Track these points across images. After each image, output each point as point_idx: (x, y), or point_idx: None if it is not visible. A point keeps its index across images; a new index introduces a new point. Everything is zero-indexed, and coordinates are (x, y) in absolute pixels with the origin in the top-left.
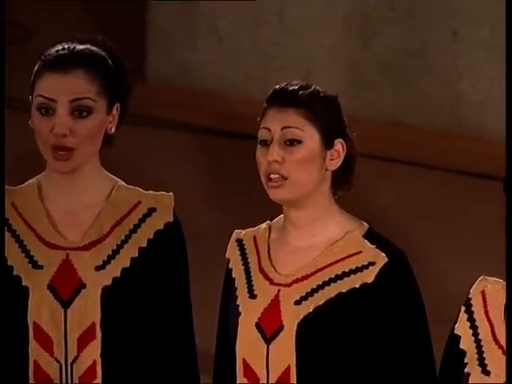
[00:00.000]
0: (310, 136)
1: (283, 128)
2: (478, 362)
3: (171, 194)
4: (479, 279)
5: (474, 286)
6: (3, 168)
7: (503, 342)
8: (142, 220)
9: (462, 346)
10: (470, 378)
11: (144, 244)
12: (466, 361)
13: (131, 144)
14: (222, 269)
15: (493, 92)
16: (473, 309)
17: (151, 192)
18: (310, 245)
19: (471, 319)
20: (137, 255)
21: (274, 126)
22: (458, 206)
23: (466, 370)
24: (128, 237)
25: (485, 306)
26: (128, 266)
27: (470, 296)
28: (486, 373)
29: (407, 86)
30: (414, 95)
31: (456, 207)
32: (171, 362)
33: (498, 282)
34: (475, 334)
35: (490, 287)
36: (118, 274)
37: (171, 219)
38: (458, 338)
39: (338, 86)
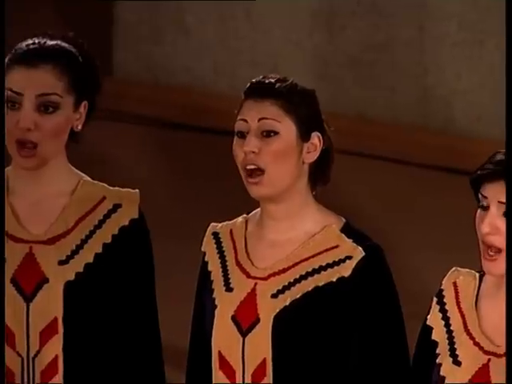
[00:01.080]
0: (287, 128)
1: (260, 119)
2: (449, 353)
3: (137, 190)
4: (451, 271)
5: (446, 277)
6: (3, 168)
7: (475, 332)
8: (107, 216)
9: (433, 337)
10: (442, 368)
11: (108, 240)
12: (437, 351)
13: (98, 139)
14: (192, 264)
15: (459, 86)
16: (445, 300)
17: (116, 188)
18: (288, 238)
19: (443, 310)
20: (101, 251)
21: (250, 117)
22: (425, 200)
23: (437, 360)
24: (92, 232)
25: (456, 297)
26: (92, 261)
27: (441, 287)
28: (457, 363)
29: (373, 81)
30: (381, 89)
31: (423, 201)
32: (135, 358)
33: (470, 273)
34: (447, 325)
35: (462, 278)
36: (82, 270)
37: (136, 215)
38: (430, 329)
39: (305, 81)
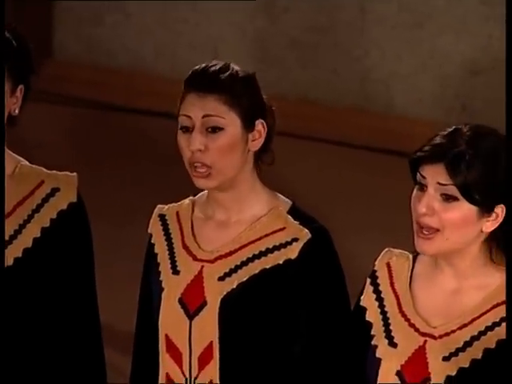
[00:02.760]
0: (232, 122)
1: (204, 116)
2: (384, 335)
3: (75, 174)
4: (384, 251)
5: (379, 258)
6: (3, 168)
7: (410, 313)
8: (45, 200)
9: (368, 318)
10: (377, 350)
11: (47, 224)
12: (372, 333)
13: (39, 121)
14: (137, 249)
15: (400, 69)
16: (378, 281)
17: (54, 172)
18: (234, 221)
19: (377, 291)
20: (39, 235)
21: (194, 114)
22: (367, 182)
23: (373, 342)
24: (31, 217)
25: (390, 277)
26: (30, 246)
27: (375, 268)
28: (393, 345)
29: (315, 63)
30: (323, 72)
31: (364, 183)
32: (74, 343)
33: (403, 253)
34: (381, 306)
35: (395, 259)
36: (20, 254)
37: (75, 199)
38: (363, 310)
39: (247, 63)
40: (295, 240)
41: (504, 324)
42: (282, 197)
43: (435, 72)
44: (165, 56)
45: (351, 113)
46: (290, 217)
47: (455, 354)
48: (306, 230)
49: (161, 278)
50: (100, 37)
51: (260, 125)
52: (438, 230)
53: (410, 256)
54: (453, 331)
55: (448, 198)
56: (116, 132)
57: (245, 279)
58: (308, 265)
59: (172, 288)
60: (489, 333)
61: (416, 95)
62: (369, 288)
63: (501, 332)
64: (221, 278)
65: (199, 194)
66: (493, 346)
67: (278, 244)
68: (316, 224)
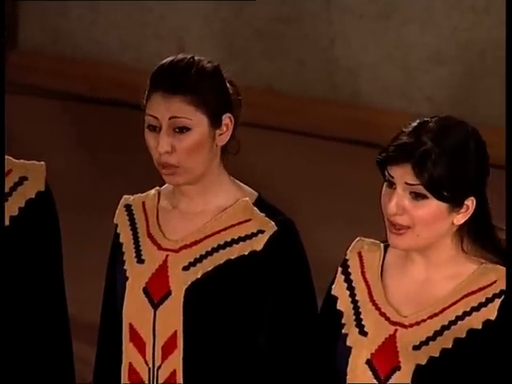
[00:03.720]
0: (199, 122)
1: (171, 118)
2: (355, 323)
3: (43, 163)
4: (356, 241)
5: (351, 247)
6: (3, 166)
7: (381, 302)
8: (13, 188)
9: (339, 307)
10: (348, 338)
11: (15, 213)
12: (343, 321)
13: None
14: (104, 238)
15: (366, 59)
16: (350, 270)
17: (22, 161)
18: (200, 211)
19: (348, 280)
20: (8, 224)
21: (161, 115)
22: (334, 172)
23: (343, 330)
24: None
25: (361, 266)
26: None
27: (346, 257)
28: (364, 333)
29: (281, 53)
30: (289, 62)
31: (331, 173)
32: (41, 333)
33: (375, 243)
34: (352, 295)
35: (367, 248)
36: None
37: (43, 188)
38: (335, 299)
39: (212, 54)
40: (261, 232)
41: (474, 313)
42: (248, 188)
43: (400, 62)
44: (130, 47)
45: (318, 103)
46: (255, 208)
47: (425, 343)
48: (272, 223)
49: (125, 268)
50: (65, 27)
51: (227, 119)
52: (409, 227)
53: (382, 245)
54: (423, 320)
55: (417, 196)
56: (81, 122)
57: (209, 269)
58: (273, 257)
59: (136, 277)
60: (459, 322)
61: (382, 85)
62: (340, 277)
63: (471, 322)
64: (185, 268)
65: (166, 185)
66: (463, 335)
67: (243, 235)
68: (282, 216)
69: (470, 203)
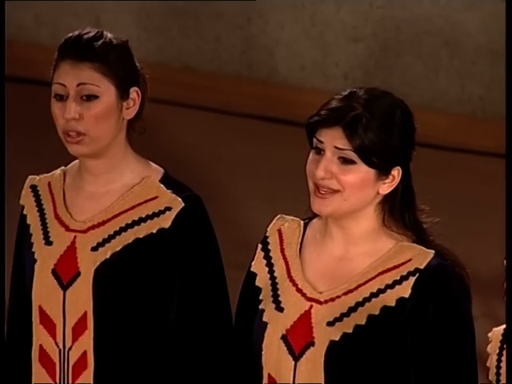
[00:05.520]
0: (107, 90)
1: (79, 84)
2: (272, 299)
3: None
4: (276, 218)
5: (271, 224)
6: (3, 168)
7: (298, 279)
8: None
9: (257, 283)
10: (264, 314)
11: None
12: (261, 297)
13: None
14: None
15: (282, 36)
16: (269, 247)
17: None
18: (107, 191)
19: (267, 257)
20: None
21: (68, 82)
22: (250, 150)
23: (260, 306)
24: None
25: (281, 243)
26: None
27: (267, 234)
28: (280, 309)
29: (198, 31)
30: (205, 40)
31: (248, 151)
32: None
33: (295, 220)
34: (271, 272)
35: (287, 225)
36: None
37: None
38: (254, 276)
39: (129, 32)
40: (168, 209)
41: (389, 291)
42: (154, 165)
43: (317, 40)
44: (46, 24)
45: (234, 81)
46: (162, 186)
47: (339, 319)
48: (179, 199)
49: (33, 250)
50: None
51: (134, 93)
52: (338, 191)
53: (302, 222)
54: (338, 297)
55: (345, 162)
56: None
57: (118, 249)
58: (181, 233)
59: (45, 259)
60: (373, 299)
61: (299, 63)
62: (260, 254)
63: (385, 299)
64: (94, 248)
65: (70, 164)
66: (376, 312)
67: (150, 213)
68: (189, 192)
69: (396, 173)
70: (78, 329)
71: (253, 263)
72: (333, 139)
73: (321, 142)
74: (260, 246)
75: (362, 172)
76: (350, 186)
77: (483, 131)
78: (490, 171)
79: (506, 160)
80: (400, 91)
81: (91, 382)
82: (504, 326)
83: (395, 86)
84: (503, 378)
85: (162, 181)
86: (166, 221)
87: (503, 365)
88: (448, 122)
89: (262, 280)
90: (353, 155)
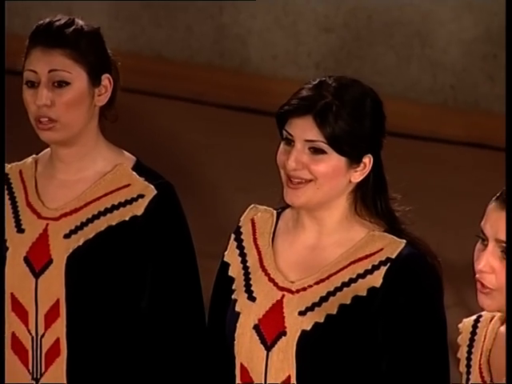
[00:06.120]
0: (78, 77)
1: (50, 71)
2: (244, 289)
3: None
4: (249, 207)
5: (244, 214)
6: (3, 167)
7: (270, 269)
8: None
9: (230, 273)
10: (237, 304)
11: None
12: (233, 287)
13: None
14: None
15: (255, 26)
16: (242, 236)
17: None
18: (79, 179)
19: (240, 247)
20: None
21: (40, 69)
22: (222, 140)
23: (233, 296)
24: None
25: (254, 233)
26: None
27: (240, 224)
28: (252, 299)
29: (170, 20)
30: (177, 29)
31: (220, 141)
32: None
33: (268, 210)
34: (244, 261)
35: (260, 215)
36: None
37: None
38: (227, 266)
39: (101, 21)
40: (141, 196)
41: (360, 280)
42: (126, 153)
43: (289, 29)
44: (18, 14)
45: (206, 70)
46: (134, 173)
47: (311, 308)
48: (152, 186)
49: (6, 237)
50: None
51: (106, 79)
52: (310, 180)
53: (275, 212)
54: (310, 286)
55: (316, 152)
56: None
57: (91, 236)
58: (154, 220)
59: (17, 247)
60: (345, 289)
61: (271, 52)
62: (233, 244)
63: (356, 288)
64: (66, 236)
65: (42, 153)
66: (348, 302)
67: (123, 201)
68: (161, 180)
69: (368, 161)
70: (51, 316)
71: (226, 253)
72: (303, 131)
73: (290, 134)
74: (233, 235)
75: (333, 161)
76: (322, 175)
77: (454, 121)
78: (460, 160)
79: (506, 158)
80: (372, 81)
81: (64, 369)
82: (475, 317)
83: (367, 75)
84: (473, 370)
85: (134, 168)
86: (138, 208)
87: (473, 356)
88: (420, 111)
89: (235, 270)
90: (323, 146)
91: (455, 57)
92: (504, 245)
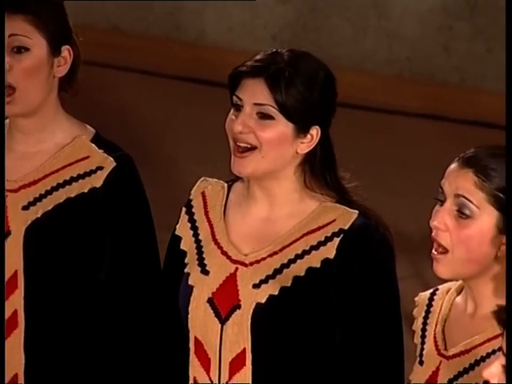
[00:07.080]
0: (38, 44)
1: (10, 35)
2: (197, 262)
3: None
4: (200, 180)
5: (195, 187)
6: (3, 168)
7: (223, 242)
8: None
9: (182, 247)
10: (190, 278)
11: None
12: (186, 261)
13: None
14: None
15: None
16: (193, 210)
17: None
18: (38, 151)
19: (192, 220)
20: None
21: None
22: (179, 112)
23: (186, 270)
24: None
25: (205, 206)
26: None
27: (190, 197)
28: (205, 272)
29: None
30: (133, 2)
31: (176, 112)
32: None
33: (219, 182)
34: (195, 235)
35: (211, 188)
36: None
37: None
38: (179, 239)
39: None
40: (100, 168)
41: (314, 252)
42: (85, 125)
43: (245, 1)
44: None
45: (162, 42)
46: (93, 145)
47: (265, 281)
48: (111, 159)
49: None
50: None
51: (66, 51)
52: (255, 148)
53: (225, 185)
54: (263, 259)
55: (264, 117)
56: None
57: (49, 208)
58: (113, 192)
59: None
60: (298, 261)
61: (227, 24)
62: (184, 217)
63: (310, 260)
64: (25, 208)
65: None
66: (302, 273)
67: (82, 172)
68: (120, 152)
69: (315, 133)
70: (9, 288)
71: (177, 226)
72: (253, 94)
73: (240, 99)
74: (184, 209)
75: (280, 127)
76: (268, 141)
77: (410, 92)
78: (416, 132)
79: (507, 157)
80: (328, 52)
81: (22, 340)
82: (431, 290)
83: (323, 47)
84: (428, 339)
85: (93, 141)
86: (97, 180)
87: (428, 327)
88: (375, 82)
89: (187, 243)
90: (272, 110)
91: (411, 28)
92: (461, 200)
